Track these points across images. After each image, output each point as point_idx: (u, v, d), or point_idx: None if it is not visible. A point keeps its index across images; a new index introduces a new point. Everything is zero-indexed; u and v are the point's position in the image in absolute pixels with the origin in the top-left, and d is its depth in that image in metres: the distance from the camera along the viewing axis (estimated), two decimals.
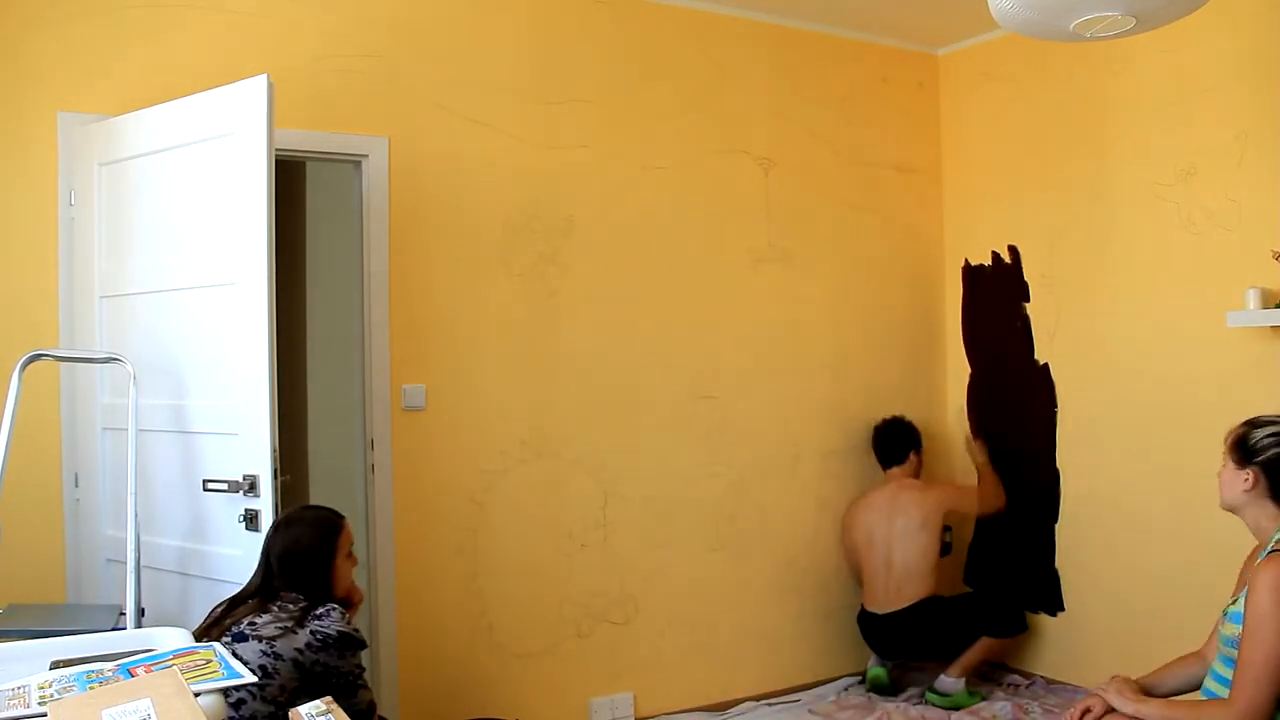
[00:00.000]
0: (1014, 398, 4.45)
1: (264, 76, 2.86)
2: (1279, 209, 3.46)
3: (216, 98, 2.94)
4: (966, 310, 4.69)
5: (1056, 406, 4.27)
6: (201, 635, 2.37)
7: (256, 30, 3.34)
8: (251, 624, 2.37)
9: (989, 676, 4.35)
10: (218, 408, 2.93)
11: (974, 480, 4.43)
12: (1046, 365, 4.31)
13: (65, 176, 3.14)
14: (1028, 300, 4.39)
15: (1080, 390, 4.19)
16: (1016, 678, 4.33)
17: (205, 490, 2.93)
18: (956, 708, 4.02)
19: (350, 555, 2.63)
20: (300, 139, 3.36)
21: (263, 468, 2.81)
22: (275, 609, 2.41)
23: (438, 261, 3.62)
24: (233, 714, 2.18)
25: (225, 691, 1.71)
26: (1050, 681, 4.26)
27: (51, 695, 1.58)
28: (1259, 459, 2.33)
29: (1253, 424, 2.40)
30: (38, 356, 2.84)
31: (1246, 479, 2.34)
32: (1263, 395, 3.44)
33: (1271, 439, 2.33)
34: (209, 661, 1.73)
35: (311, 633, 2.36)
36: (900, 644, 4.20)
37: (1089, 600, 4.15)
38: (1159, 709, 2.37)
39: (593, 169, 3.90)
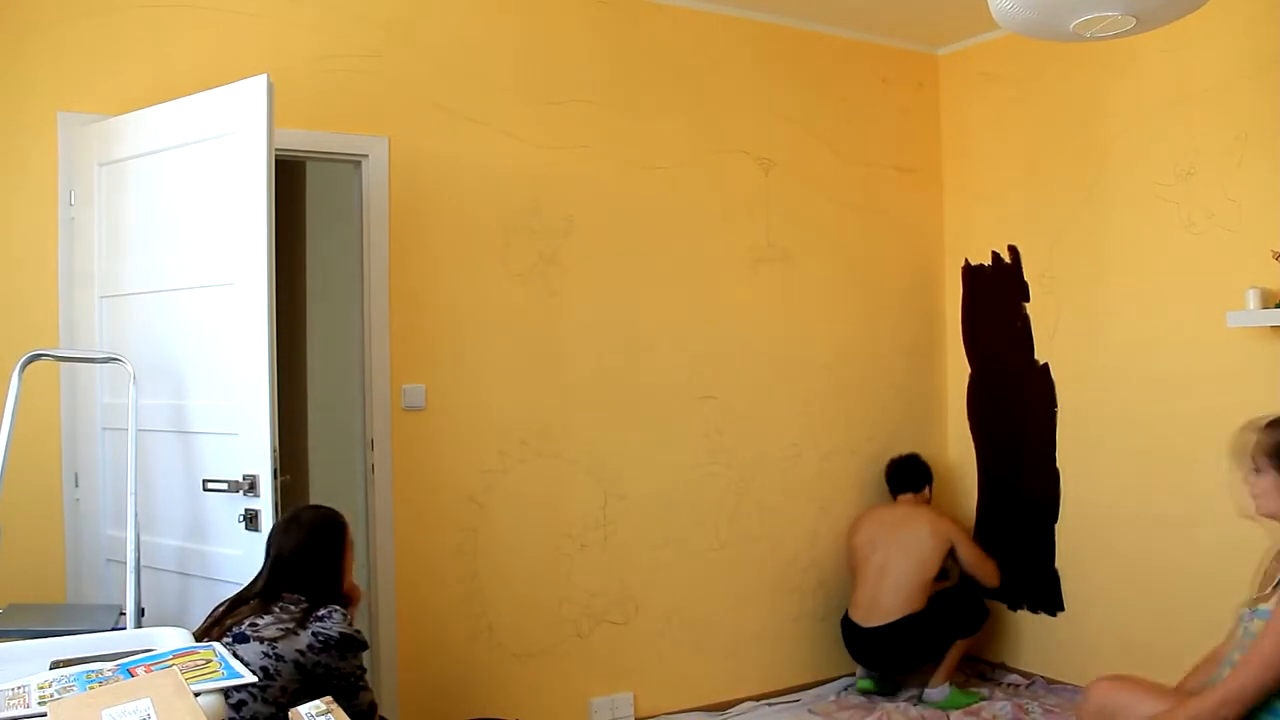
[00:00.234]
0: (1014, 398, 4.45)
1: (264, 76, 2.86)
2: (1279, 209, 3.46)
3: (216, 98, 2.94)
4: (966, 310, 4.69)
5: (1056, 406, 4.27)
6: (202, 635, 2.37)
7: (256, 30, 3.34)
8: (253, 625, 2.36)
9: (989, 676, 4.35)
10: (218, 408, 2.93)
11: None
12: (1046, 365, 4.31)
13: (65, 176, 3.13)
14: (1028, 300, 4.39)
15: (1080, 390, 4.19)
16: (1016, 678, 4.33)
17: (205, 490, 2.93)
18: (954, 707, 4.03)
19: (351, 555, 2.64)
20: (300, 139, 3.36)
21: (263, 468, 2.81)
22: (277, 610, 2.41)
23: (438, 261, 3.62)
24: (233, 715, 2.18)
25: (226, 692, 1.71)
26: (1050, 681, 4.26)
27: (51, 695, 1.58)
28: None
29: (1275, 425, 2.33)
30: (38, 356, 2.85)
31: None
32: (1263, 395, 3.44)
33: None
34: (209, 661, 1.73)
35: (313, 634, 2.35)
36: (883, 658, 4.16)
37: (1089, 600, 4.15)
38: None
39: (593, 169, 3.90)
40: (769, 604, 4.27)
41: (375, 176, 3.51)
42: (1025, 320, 4.39)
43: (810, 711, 4.09)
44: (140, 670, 1.67)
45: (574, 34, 3.89)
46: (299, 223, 4.46)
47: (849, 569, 4.33)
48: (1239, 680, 2.17)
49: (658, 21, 4.05)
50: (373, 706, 2.50)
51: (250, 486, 2.83)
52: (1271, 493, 2.35)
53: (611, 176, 3.94)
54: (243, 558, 2.81)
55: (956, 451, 4.72)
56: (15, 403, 2.71)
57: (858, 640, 4.16)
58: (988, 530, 4.53)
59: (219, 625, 2.40)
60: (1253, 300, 3.44)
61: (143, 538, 2.84)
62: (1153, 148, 3.86)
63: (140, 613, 2.79)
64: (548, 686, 3.79)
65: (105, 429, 3.14)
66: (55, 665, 1.81)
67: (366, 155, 3.51)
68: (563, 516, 3.84)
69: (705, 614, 4.12)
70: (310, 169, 4.42)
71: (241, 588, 2.58)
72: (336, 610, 2.42)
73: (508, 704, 3.67)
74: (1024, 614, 4.39)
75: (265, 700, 2.26)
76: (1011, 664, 4.43)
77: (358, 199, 3.55)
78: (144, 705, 1.48)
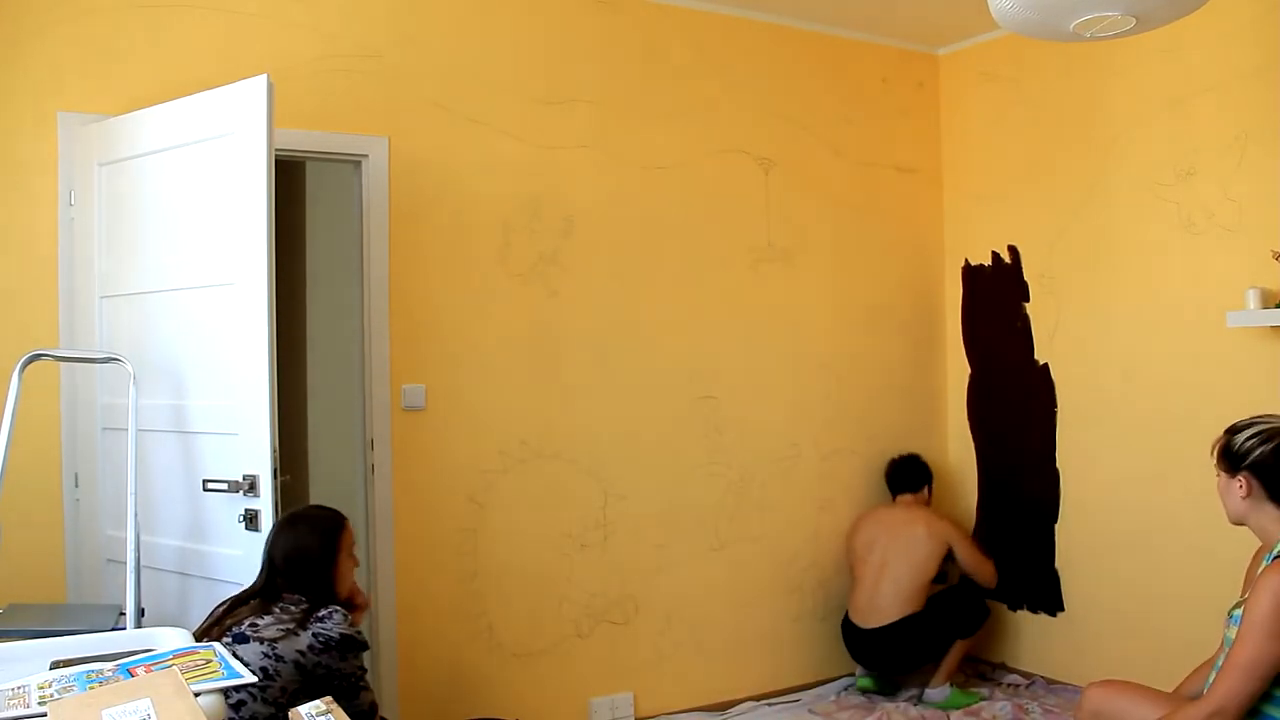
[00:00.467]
0: (1014, 398, 4.45)
1: (264, 76, 2.86)
2: (1279, 209, 3.46)
3: (216, 98, 2.94)
4: (966, 310, 4.69)
5: (1056, 406, 4.27)
6: (202, 635, 2.37)
7: (256, 30, 3.34)
8: (253, 625, 2.36)
9: (989, 676, 4.35)
10: (218, 408, 2.93)
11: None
12: (1046, 365, 4.31)
13: (65, 176, 3.13)
14: (1028, 300, 4.39)
15: (1080, 390, 4.19)
16: (1016, 678, 4.33)
17: (205, 490, 2.93)
18: (954, 707, 4.03)
19: (351, 556, 2.63)
20: (300, 139, 3.36)
21: (263, 468, 2.81)
22: (277, 610, 2.41)
23: (438, 261, 3.62)
24: (233, 715, 2.18)
25: (225, 692, 1.71)
26: (1050, 681, 4.26)
27: (51, 695, 1.58)
28: (1246, 463, 2.30)
29: (1234, 430, 2.36)
30: (38, 356, 2.84)
31: (1240, 486, 2.31)
32: (1263, 395, 3.44)
33: (1255, 440, 2.29)
34: (209, 661, 1.73)
35: (314, 635, 2.35)
36: (882, 659, 4.16)
37: (1089, 600, 4.15)
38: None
39: (593, 169, 3.90)
40: (769, 604, 4.27)
41: (375, 176, 3.51)
42: (1025, 320, 4.39)
43: (810, 711, 4.09)
44: (140, 670, 1.67)
45: (574, 34, 3.89)
46: (299, 223, 4.46)
47: (849, 569, 4.33)
48: (1223, 689, 2.18)
49: (658, 21, 4.05)
50: (373, 707, 2.50)
51: (250, 486, 2.83)
52: (1226, 495, 2.36)
53: (611, 176, 3.94)
54: (243, 558, 2.81)
55: (956, 451, 4.72)
56: (15, 403, 2.71)
57: (857, 641, 4.16)
58: (988, 530, 4.53)
59: (219, 625, 2.40)
60: (1253, 300, 3.44)
61: (143, 538, 2.84)
62: (1153, 148, 3.86)
63: (140, 613, 2.78)
64: (548, 686, 3.79)
65: (105, 429, 3.14)
66: (55, 665, 1.81)
67: (366, 155, 3.51)
68: (563, 516, 3.84)
69: (705, 614, 4.12)
70: (310, 169, 4.42)
71: (242, 588, 2.58)
72: (337, 611, 2.42)
73: (508, 704, 3.67)
74: (1024, 614, 4.39)
75: (265, 701, 2.26)
76: (1011, 664, 4.43)
77: (358, 199, 3.55)
78: (144, 705, 1.48)
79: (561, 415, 3.83)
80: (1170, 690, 2.59)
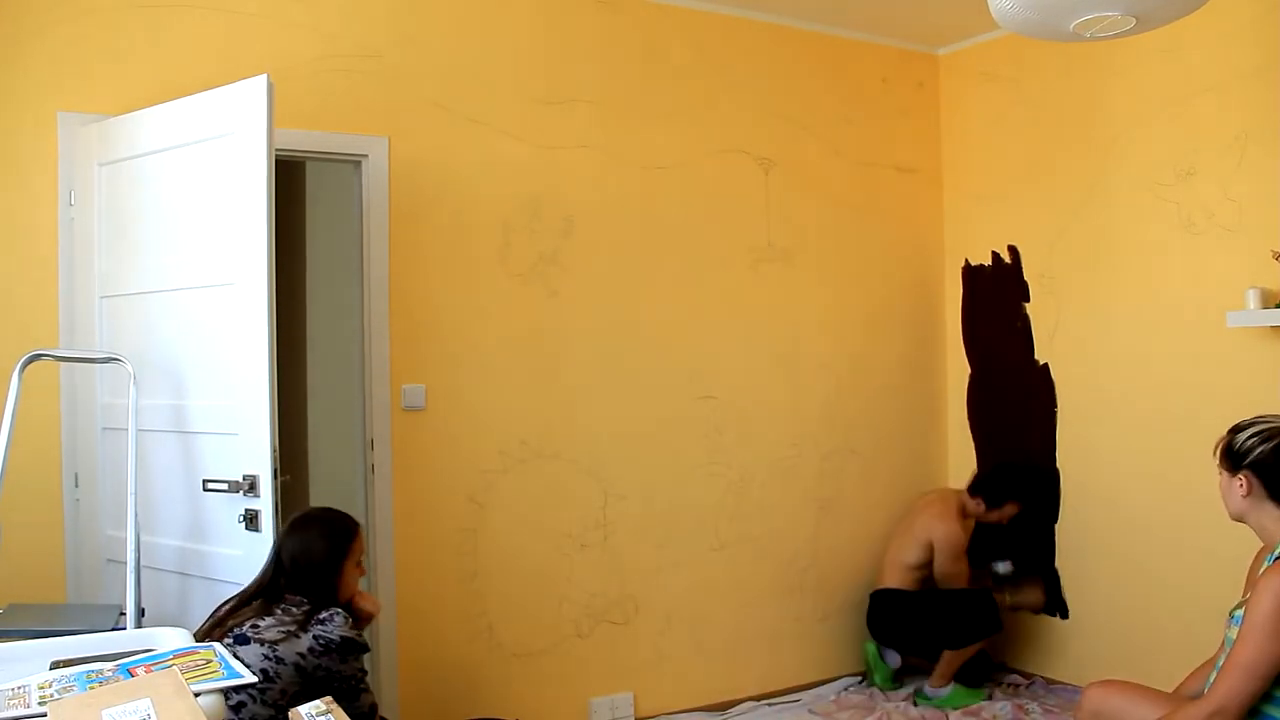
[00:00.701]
0: (1014, 398, 4.45)
1: (264, 76, 2.86)
2: (1279, 209, 3.46)
3: (216, 98, 2.94)
4: (966, 310, 4.69)
5: (1056, 406, 4.27)
6: (204, 636, 2.37)
7: (256, 30, 3.34)
8: (254, 626, 2.36)
9: (989, 677, 4.35)
10: (218, 408, 2.92)
11: None
12: (1046, 365, 4.31)
13: (65, 176, 3.13)
14: (1028, 300, 4.39)
15: (1080, 390, 4.19)
16: (1016, 678, 4.33)
17: (205, 490, 2.93)
18: (953, 706, 4.03)
19: (359, 565, 2.62)
20: (300, 139, 3.36)
21: (263, 468, 2.81)
22: (279, 612, 2.41)
23: (438, 261, 3.62)
24: (232, 716, 2.18)
25: (225, 693, 1.72)
26: (1050, 681, 4.26)
27: (51, 695, 1.58)
28: (1247, 462, 2.31)
29: (1236, 429, 2.37)
30: (38, 356, 2.84)
31: (1241, 485, 2.32)
32: (1263, 395, 3.44)
33: (1255, 439, 2.31)
34: (209, 662, 1.73)
35: (314, 637, 2.35)
36: (874, 622, 4.27)
37: (1089, 600, 4.15)
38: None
39: (593, 169, 3.90)
40: (769, 604, 4.27)
41: (375, 176, 3.51)
42: (1025, 320, 4.39)
43: (810, 711, 4.09)
44: (140, 670, 1.67)
45: (574, 34, 3.89)
46: (299, 223, 4.46)
47: None
48: (1223, 689, 2.19)
49: (658, 21, 4.05)
50: (373, 708, 2.50)
51: (250, 486, 2.83)
52: (1227, 494, 2.38)
53: (611, 176, 3.94)
54: (243, 558, 2.81)
55: (956, 451, 4.71)
56: (15, 403, 2.71)
57: (869, 602, 4.31)
58: (988, 530, 4.52)
59: (221, 626, 2.40)
60: (1253, 300, 3.44)
61: (143, 538, 2.84)
62: (1153, 148, 3.86)
63: (140, 613, 2.78)
64: (548, 686, 3.79)
65: (105, 429, 3.14)
66: (55, 665, 1.82)
67: (366, 155, 3.51)
68: (563, 516, 3.84)
69: (705, 614, 4.12)
70: (310, 169, 4.42)
71: (244, 587, 2.57)
72: (338, 613, 2.42)
73: (508, 704, 3.67)
74: (1024, 614, 4.39)
75: (264, 703, 2.26)
76: (1011, 664, 4.43)
77: (358, 199, 3.55)
78: (144, 705, 1.48)
79: (561, 415, 3.83)
80: (1170, 690, 2.60)
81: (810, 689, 4.30)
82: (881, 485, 4.52)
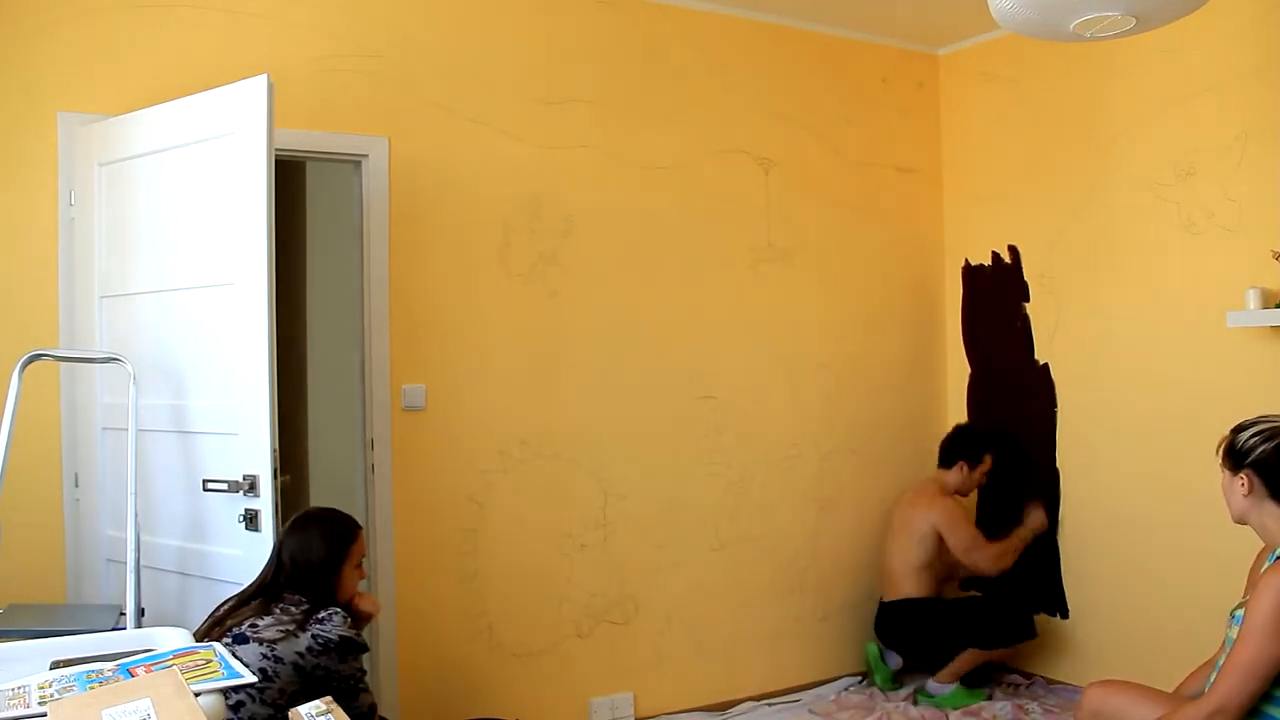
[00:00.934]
0: (1014, 398, 4.45)
1: (264, 76, 2.86)
2: (1279, 209, 3.46)
3: (216, 98, 2.94)
4: (966, 310, 4.69)
5: (1056, 406, 4.27)
6: (203, 635, 2.37)
7: (256, 30, 3.34)
8: (253, 626, 2.36)
9: (989, 677, 4.35)
10: (218, 408, 2.93)
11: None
12: (1046, 365, 4.31)
13: (65, 176, 3.13)
14: (1028, 300, 4.39)
15: (1080, 390, 4.19)
16: (1016, 678, 4.33)
17: (205, 490, 2.93)
18: (953, 706, 4.03)
19: (359, 566, 2.62)
20: (300, 139, 3.36)
21: (263, 468, 2.81)
22: (278, 611, 2.41)
23: (438, 261, 3.62)
24: (232, 716, 2.18)
25: (225, 692, 1.72)
26: (1050, 681, 4.26)
27: (51, 695, 1.58)
28: (1249, 461, 2.32)
29: (1238, 429, 2.38)
30: (38, 356, 2.85)
31: (1243, 484, 2.33)
32: (1263, 395, 3.44)
33: (1257, 438, 2.32)
34: (209, 661, 1.73)
35: (313, 637, 2.35)
36: (891, 634, 4.24)
37: (1088, 600, 4.15)
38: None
39: (593, 169, 3.90)
40: (769, 604, 4.27)
41: (375, 176, 3.51)
42: (1025, 320, 4.39)
43: (810, 711, 4.09)
44: (140, 670, 1.67)
45: (574, 34, 3.89)
46: (299, 223, 4.46)
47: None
48: (1224, 689, 2.19)
49: (658, 21, 4.05)
50: (373, 708, 2.50)
51: (250, 486, 2.83)
52: (1229, 494, 2.38)
53: (611, 176, 3.94)
54: (243, 558, 2.81)
55: None
56: (15, 403, 2.71)
57: (878, 613, 4.28)
58: (988, 531, 4.52)
59: (220, 625, 2.40)
60: (1253, 300, 3.44)
61: (143, 538, 2.84)
62: (1153, 148, 3.86)
63: (140, 613, 2.79)
64: (548, 686, 3.79)
65: (105, 429, 3.14)
66: (55, 665, 1.82)
67: (366, 155, 3.51)
68: (563, 516, 3.84)
69: (705, 614, 4.12)
70: (310, 169, 4.42)
71: (244, 586, 2.57)
72: (337, 612, 2.42)
73: (508, 704, 3.67)
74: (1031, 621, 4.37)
75: (263, 702, 2.26)
76: (1011, 664, 4.42)
77: (358, 199, 3.55)
78: (144, 705, 1.48)
79: (561, 415, 3.83)
80: (1170, 690, 2.60)
81: (810, 689, 4.30)
82: (881, 485, 4.52)
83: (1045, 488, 4.29)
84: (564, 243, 3.84)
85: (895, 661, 4.31)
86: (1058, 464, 4.26)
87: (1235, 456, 2.35)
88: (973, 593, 4.49)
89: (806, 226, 4.38)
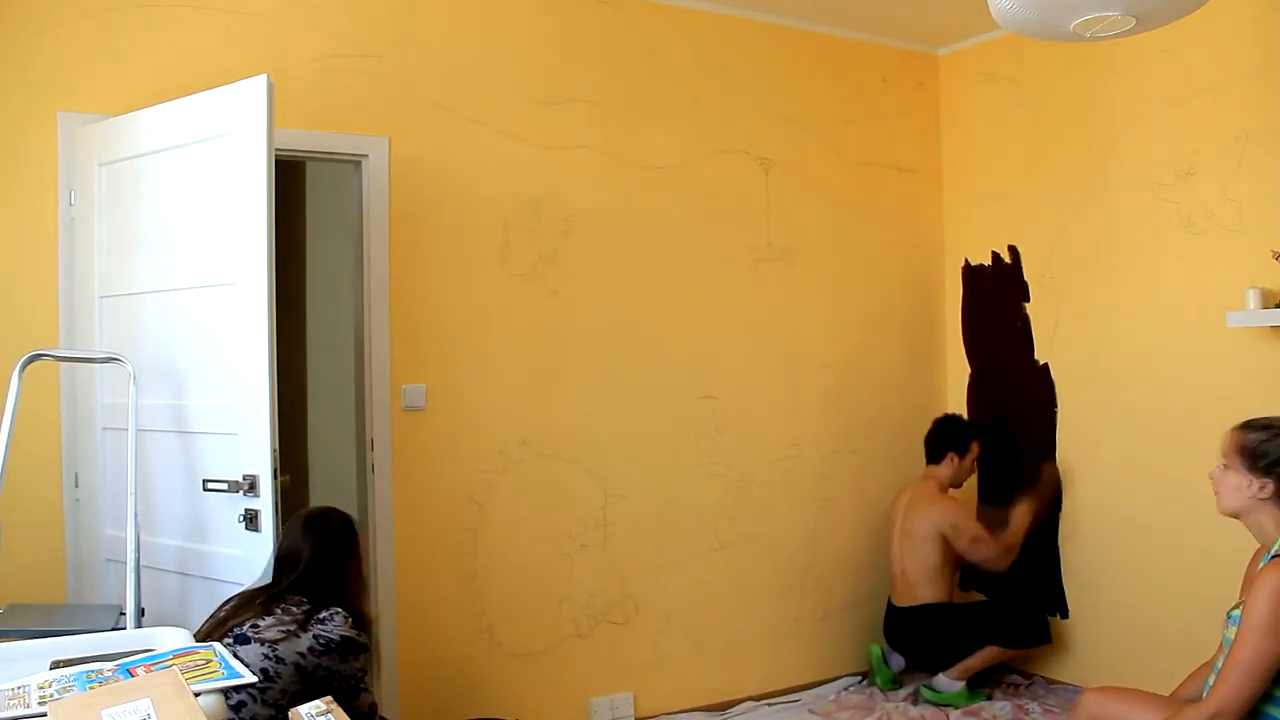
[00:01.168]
0: (1014, 398, 4.45)
1: (264, 76, 2.86)
2: (1279, 209, 3.46)
3: (216, 98, 2.94)
4: (966, 310, 4.69)
5: (1056, 406, 4.27)
6: (204, 636, 2.37)
7: (256, 30, 3.34)
8: (254, 626, 2.36)
9: (989, 677, 4.35)
10: (218, 408, 2.93)
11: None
12: (1046, 365, 4.31)
13: (65, 176, 3.13)
14: (1028, 300, 4.39)
15: (1080, 390, 4.19)
16: (1016, 678, 4.33)
17: (205, 490, 2.93)
18: (952, 705, 4.03)
19: (359, 567, 2.62)
20: (300, 139, 3.36)
21: (263, 468, 2.81)
22: (279, 611, 2.41)
23: (438, 261, 3.62)
24: (233, 716, 2.18)
25: (225, 693, 1.71)
26: (1050, 681, 4.26)
27: (51, 695, 1.58)
28: (1272, 463, 2.30)
29: (1260, 428, 2.35)
30: (38, 356, 2.84)
31: (1263, 486, 2.30)
32: (1263, 395, 3.44)
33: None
34: (209, 661, 1.73)
35: (314, 637, 2.35)
36: (905, 640, 4.22)
37: (1088, 599, 4.15)
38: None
39: (593, 169, 3.90)
40: (769, 604, 4.27)
41: (375, 176, 3.51)
42: (1025, 320, 4.40)
43: (810, 711, 4.09)
44: (140, 670, 1.67)
45: (574, 34, 3.89)
46: (299, 223, 4.46)
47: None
48: (1224, 690, 2.19)
49: (658, 21, 4.05)
50: (373, 708, 2.50)
51: (250, 486, 2.83)
52: (1234, 490, 2.36)
53: (611, 176, 3.94)
54: (243, 558, 2.82)
55: None
56: (15, 403, 2.71)
57: (891, 618, 4.25)
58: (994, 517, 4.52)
59: (221, 626, 2.40)
60: (1253, 300, 3.44)
61: (143, 538, 2.84)
62: (1153, 148, 3.86)
63: (140, 613, 2.78)
64: (548, 686, 3.79)
65: (105, 429, 3.14)
66: (55, 665, 1.82)
67: (366, 155, 3.51)
68: (563, 516, 3.84)
69: (705, 614, 4.12)
70: (310, 169, 4.42)
71: (245, 587, 2.57)
72: (338, 612, 2.42)
73: (508, 704, 3.67)
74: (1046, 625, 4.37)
75: (265, 702, 2.26)
76: (1011, 664, 4.42)
77: (358, 199, 3.55)
78: (144, 705, 1.48)
79: (561, 415, 3.83)
80: (1168, 694, 2.59)
81: (810, 689, 4.30)
82: (881, 485, 4.52)
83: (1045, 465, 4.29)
84: (564, 243, 3.84)
85: (897, 663, 4.31)
86: (1057, 464, 4.26)
87: (1257, 457, 2.32)
88: (974, 594, 4.49)
89: (806, 226, 4.38)
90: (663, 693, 4.02)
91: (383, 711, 2.90)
